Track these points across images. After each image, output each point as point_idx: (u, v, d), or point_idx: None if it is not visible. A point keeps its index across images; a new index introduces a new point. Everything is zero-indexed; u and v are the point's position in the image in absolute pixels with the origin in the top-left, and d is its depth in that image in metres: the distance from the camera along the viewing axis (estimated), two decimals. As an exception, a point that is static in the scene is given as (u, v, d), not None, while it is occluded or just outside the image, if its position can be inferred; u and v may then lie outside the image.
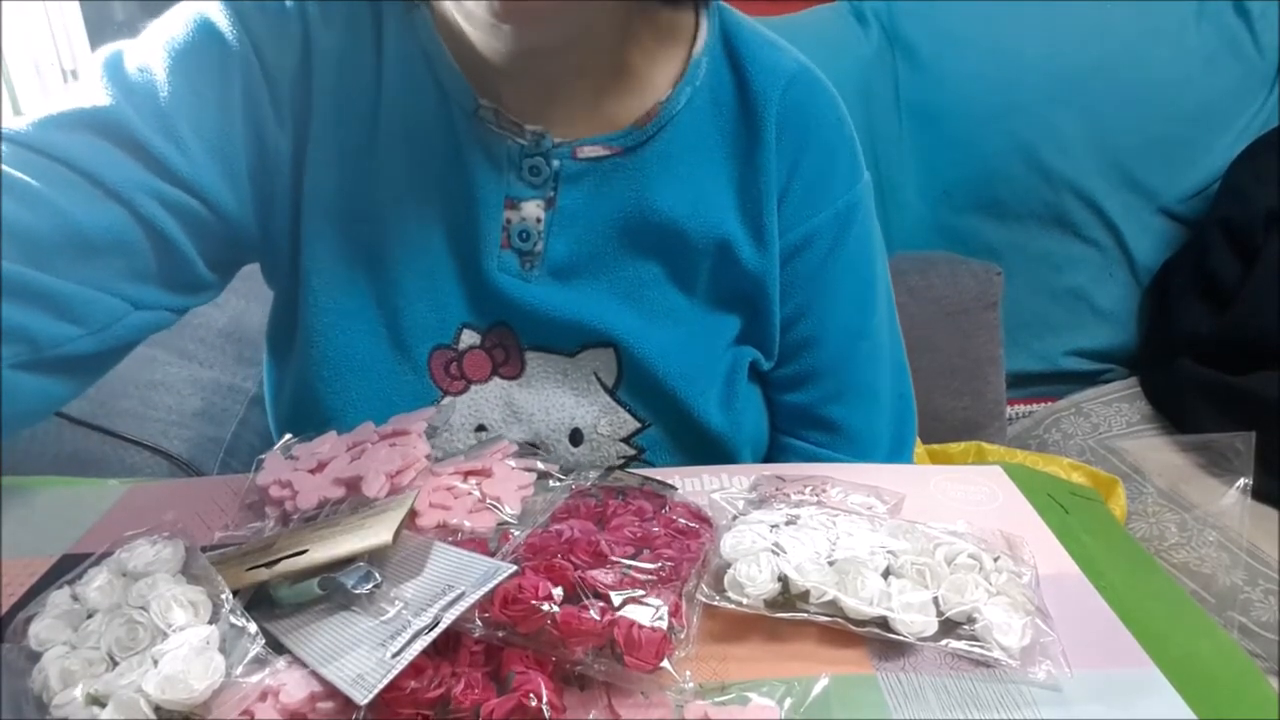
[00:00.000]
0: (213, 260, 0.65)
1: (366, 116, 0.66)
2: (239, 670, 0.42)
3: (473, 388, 0.69)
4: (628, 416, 0.69)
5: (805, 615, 0.48)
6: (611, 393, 0.69)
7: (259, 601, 0.48)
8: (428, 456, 0.59)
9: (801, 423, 0.75)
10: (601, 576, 0.46)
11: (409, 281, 0.67)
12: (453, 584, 0.46)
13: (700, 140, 0.68)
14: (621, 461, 0.70)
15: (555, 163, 0.66)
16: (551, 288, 0.67)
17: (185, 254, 0.62)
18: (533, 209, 0.67)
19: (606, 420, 0.69)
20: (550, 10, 0.57)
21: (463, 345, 0.68)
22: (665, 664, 0.43)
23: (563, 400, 0.69)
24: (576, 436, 0.69)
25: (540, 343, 0.68)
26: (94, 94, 0.59)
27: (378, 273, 0.67)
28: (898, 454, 0.77)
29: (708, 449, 0.70)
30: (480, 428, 0.69)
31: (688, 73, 0.67)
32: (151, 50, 0.62)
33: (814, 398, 0.74)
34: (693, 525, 0.53)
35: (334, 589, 0.46)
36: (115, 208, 0.58)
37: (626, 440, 0.69)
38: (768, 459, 0.77)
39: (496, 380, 0.69)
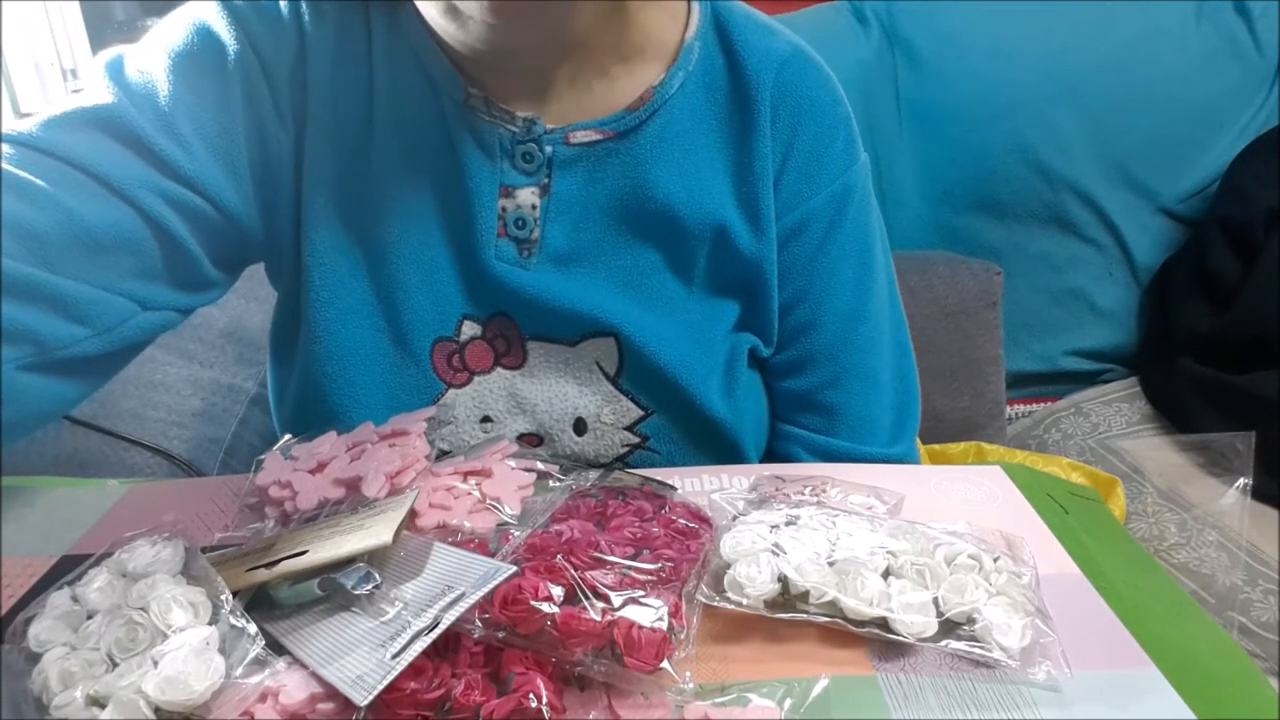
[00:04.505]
0: (218, 259, 0.65)
1: (361, 112, 0.66)
2: (239, 671, 0.42)
3: (476, 379, 0.69)
4: (630, 405, 0.69)
5: (805, 616, 0.48)
6: (613, 381, 0.69)
7: (259, 602, 0.48)
8: (427, 456, 0.59)
9: (800, 409, 0.75)
10: (601, 577, 0.46)
11: (408, 275, 0.67)
12: (453, 585, 0.46)
13: (694, 125, 0.68)
14: (626, 450, 0.70)
15: (548, 149, 0.66)
16: (550, 275, 0.67)
17: (191, 252, 0.62)
18: (527, 196, 0.67)
19: (609, 409, 0.69)
20: (540, 7, 0.57)
21: (464, 337, 0.69)
22: (665, 665, 0.43)
23: (565, 390, 0.69)
24: (580, 426, 0.69)
25: (541, 332, 0.68)
26: (96, 95, 0.60)
27: (377, 267, 0.67)
28: (899, 440, 0.76)
29: (710, 436, 0.70)
30: (485, 419, 0.69)
31: (680, 57, 0.67)
32: (151, 54, 0.62)
33: (812, 383, 0.74)
34: (692, 526, 0.53)
35: (334, 589, 0.46)
36: (121, 206, 0.58)
37: (630, 429, 0.69)
38: (768, 447, 0.77)
39: (499, 371, 0.69)
